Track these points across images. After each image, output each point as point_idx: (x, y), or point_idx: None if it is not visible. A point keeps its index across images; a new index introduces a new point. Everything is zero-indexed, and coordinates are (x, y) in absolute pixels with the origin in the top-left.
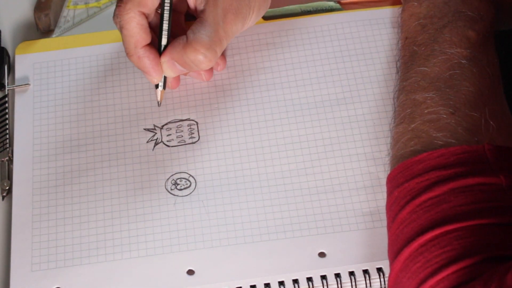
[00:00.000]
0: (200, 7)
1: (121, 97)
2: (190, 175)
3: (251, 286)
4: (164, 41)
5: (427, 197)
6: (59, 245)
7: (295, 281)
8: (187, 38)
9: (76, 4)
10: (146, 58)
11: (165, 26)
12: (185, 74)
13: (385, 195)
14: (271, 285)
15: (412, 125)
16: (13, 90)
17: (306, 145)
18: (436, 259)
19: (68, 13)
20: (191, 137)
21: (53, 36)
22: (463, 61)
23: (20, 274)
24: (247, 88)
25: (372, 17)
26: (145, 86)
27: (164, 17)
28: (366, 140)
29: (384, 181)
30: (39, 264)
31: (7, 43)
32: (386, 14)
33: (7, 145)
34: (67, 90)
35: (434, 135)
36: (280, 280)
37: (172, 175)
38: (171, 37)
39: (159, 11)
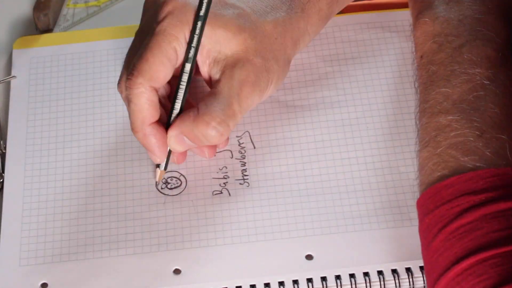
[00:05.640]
0: (215, 77)
1: (115, 93)
2: (181, 174)
3: (236, 287)
4: (176, 113)
5: (459, 224)
6: (48, 240)
7: (281, 283)
8: (198, 110)
9: (76, 2)
10: (153, 136)
11: (179, 100)
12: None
13: (375, 198)
14: (257, 286)
15: (438, 150)
16: (8, 83)
17: (298, 147)
18: None
19: (68, 11)
20: None
21: None
22: (485, 82)
23: (7, 269)
24: None
25: (369, 20)
26: None
27: (180, 88)
28: (359, 144)
29: (375, 185)
30: (27, 259)
31: (6, 40)
32: (383, 17)
33: None
34: (62, 85)
35: (461, 159)
36: (266, 282)
37: None
38: None
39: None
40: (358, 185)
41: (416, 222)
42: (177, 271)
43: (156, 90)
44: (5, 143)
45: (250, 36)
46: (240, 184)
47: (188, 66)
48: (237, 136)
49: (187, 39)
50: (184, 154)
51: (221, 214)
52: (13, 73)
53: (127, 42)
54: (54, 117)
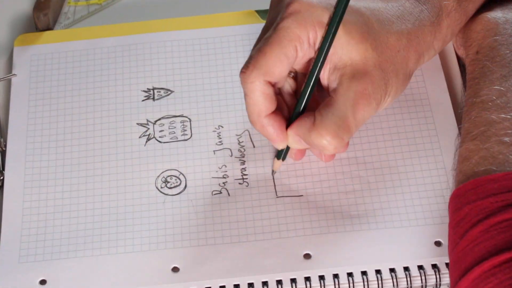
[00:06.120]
0: (333, 85)
1: (115, 91)
2: (181, 173)
3: (234, 285)
4: (298, 112)
5: (502, 218)
6: (47, 238)
7: (279, 282)
8: (314, 119)
9: (77, 0)
10: (270, 126)
11: (303, 100)
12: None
13: (374, 198)
14: (255, 285)
15: (487, 144)
16: (8, 81)
17: None
18: (510, 281)
19: (69, 9)
20: (184, 134)
21: None
22: None
23: (7, 265)
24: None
25: None
26: (140, 81)
27: (305, 88)
28: (358, 144)
29: (373, 185)
30: (26, 257)
31: (6, 38)
32: None
33: None
34: (63, 83)
35: (511, 156)
36: (264, 280)
37: (163, 172)
38: None
39: (291, 75)
40: (357, 185)
41: (414, 223)
42: (175, 269)
43: (272, 84)
44: (5, 140)
45: (371, 46)
46: (240, 184)
47: (316, 69)
48: (236, 135)
49: (310, 40)
50: (302, 152)
51: (220, 213)
52: (13, 71)
53: (128, 39)
54: (55, 115)
